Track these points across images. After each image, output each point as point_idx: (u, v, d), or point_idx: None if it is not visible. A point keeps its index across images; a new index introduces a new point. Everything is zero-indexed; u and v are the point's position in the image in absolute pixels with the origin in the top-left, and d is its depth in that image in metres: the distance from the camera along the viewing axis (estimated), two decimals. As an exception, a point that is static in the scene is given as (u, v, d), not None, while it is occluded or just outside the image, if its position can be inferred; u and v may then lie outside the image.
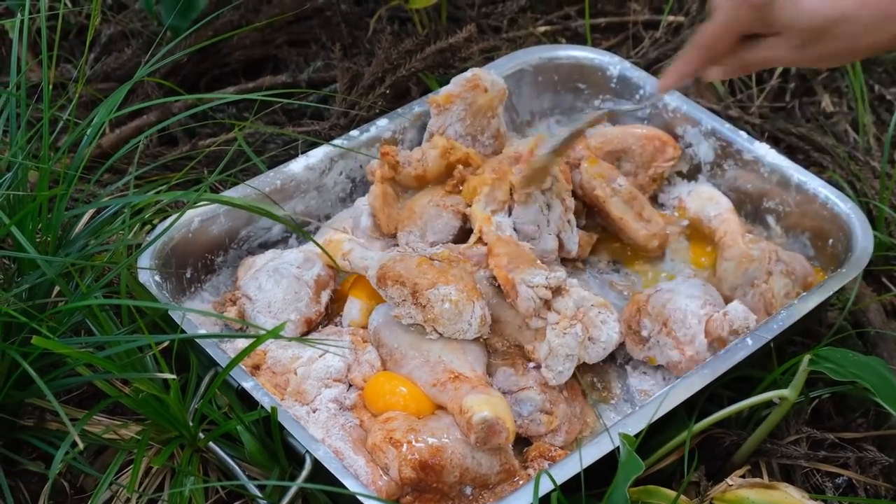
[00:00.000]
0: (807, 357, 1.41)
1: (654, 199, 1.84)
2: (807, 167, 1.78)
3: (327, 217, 1.76)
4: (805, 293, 1.58)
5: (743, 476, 1.49)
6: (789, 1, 1.31)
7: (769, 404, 1.49)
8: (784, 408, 1.46)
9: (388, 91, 1.96)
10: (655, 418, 1.39)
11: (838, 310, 1.71)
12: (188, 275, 1.64)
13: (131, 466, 1.41)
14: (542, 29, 2.24)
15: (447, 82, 1.80)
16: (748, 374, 1.54)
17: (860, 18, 1.29)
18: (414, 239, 1.65)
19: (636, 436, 1.36)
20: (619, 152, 1.82)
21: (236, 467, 1.40)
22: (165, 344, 1.47)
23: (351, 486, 1.33)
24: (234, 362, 1.38)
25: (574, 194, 1.73)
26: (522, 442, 1.49)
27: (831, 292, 1.56)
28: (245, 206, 1.53)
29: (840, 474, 1.54)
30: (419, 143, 1.81)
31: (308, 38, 2.18)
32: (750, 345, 1.50)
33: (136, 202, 1.44)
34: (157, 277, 1.54)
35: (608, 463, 1.36)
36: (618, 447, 1.35)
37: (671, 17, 2.25)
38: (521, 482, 1.42)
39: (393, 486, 1.40)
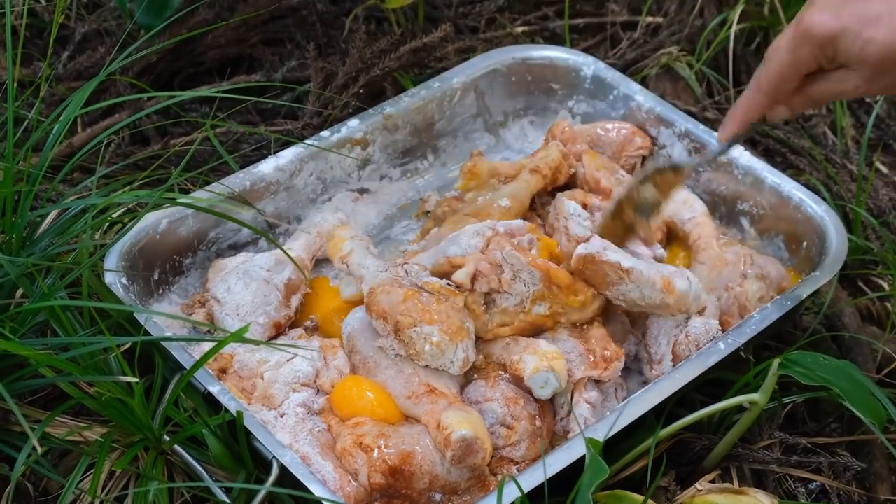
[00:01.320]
0: (777, 361, 1.40)
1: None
2: (784, 170, 1.78)
3: (297, 218, 1.74)
4: (779, 297, 1.57)
5: (713, 481, 1.47)
6: (855, 35, 1.27)
7: (741, 408, 1.48)
8: (754, 412, 1.45)
9: (361, 90, 1.95)
10: (625, 423, 1.38)
11: (813, 313, 1.70)
12: (156, 277, 1.62)
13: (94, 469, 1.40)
14: (520, 29, 2.23)
15: (422, 82, 1.78)
16: (720, 376, 1.53)
17: None
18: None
19: (604, 440, 1.35)
20: (591, 143, 1.82)
21: (202, 470, 1.38)
22: (128, 346, 1.45)
23: (317, 491, 1.31)
24: (197, 364, 1.37)
25: (579, 187, 1.75)
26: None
27: (804, 296, 1.55)
28: (208, 210, 1.51)
29: (813, 480, 1.53)
30: (389, 145, 1.81)
31: (283, 38, 2.17)
32: (722, 349, 1.49)
33: (99, 203, 1.43)
34: (123, 280, 1.53)
35: (579, 470, 1.34)
36: (585, 453, 1.34)
37: (650, 18, 2.24)
38: (491, 489, 1.41)
39: (361, 492, 1.38)
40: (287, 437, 1.42)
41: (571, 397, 1.48)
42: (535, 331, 1.53)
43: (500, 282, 1.50)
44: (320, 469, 1.39)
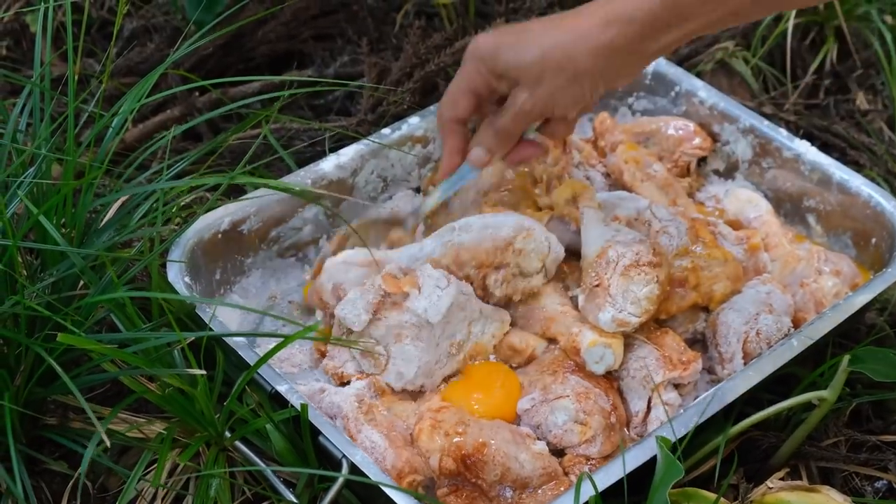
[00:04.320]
0: (846, 357, 1.38)
1: (690, 197, 1.80)
2: (843, 165, 1.75)
3: (358, 218, 1.72)
4: (851, 293, 1.55)
5: (782, 479, 1.46)
6: (510, 46, 1.41)
7: (808, 405, 1.45)
8: (823, 409, 1.43)
9: (416, 86, 1.93)
10: (701, 422, 1.37)
11: (876, 310, 1.68)
12: (217, 276, 1.61)
13: (156, 465, 1.39)
14: (571, 25, 2.20)
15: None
16: (788, 372, 1.51)
17: (576, 48, 1.38)
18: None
19: (679, 441, 1.33)
20: (647, 133, 1.81)
21: (266, 468, 1.37)
22: (190, 342, 1.44)
23: (394, 495, 1.29)
24: (263, 359, 1.36)
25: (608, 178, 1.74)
26: (557, 454, 1.45)
27: (877, 292, 1.53)
28: (303, 193, 1.57)
29: (879, 478, 1.51)
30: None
31: (333, 33, 2.16)
32: (795, 346, 1.47)
33: (168, 188, 1.42)
34: (187, 279, 1.51)
35: (649, 470, 1.33)
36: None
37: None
38: (562, 488, 1.39)
39: (409, 465, 1.37)
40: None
41: (650, 402, 1.46)
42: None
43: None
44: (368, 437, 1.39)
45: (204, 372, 1.33)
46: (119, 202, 1.48)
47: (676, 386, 1.49)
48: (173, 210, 1.53)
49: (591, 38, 1.36)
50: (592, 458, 1.42)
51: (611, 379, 1.49)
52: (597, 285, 1.47)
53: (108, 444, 1.22)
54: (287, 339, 1.34)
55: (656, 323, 1.53)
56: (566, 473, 1.42)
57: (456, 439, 1.38)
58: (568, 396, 1.44)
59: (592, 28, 1.36)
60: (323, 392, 1.45)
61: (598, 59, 1.37)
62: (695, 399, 1.47)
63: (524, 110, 1.43)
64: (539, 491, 1.39)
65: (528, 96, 1.41)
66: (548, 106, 1.42)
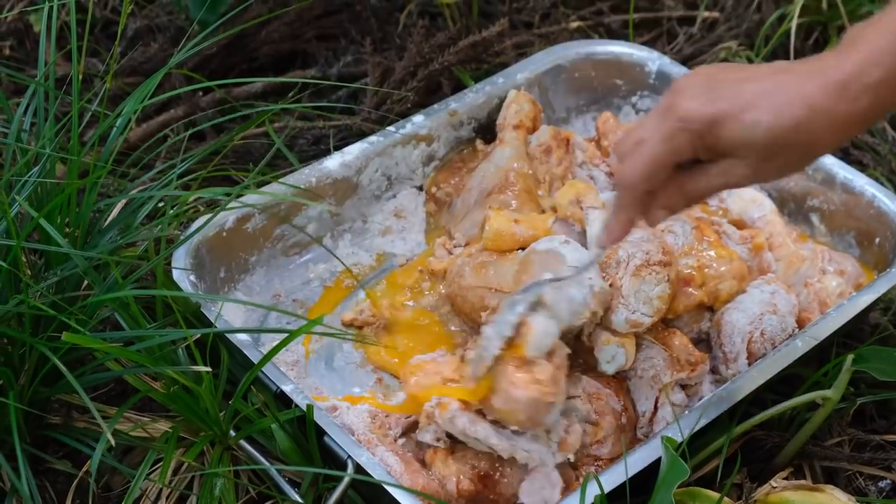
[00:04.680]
0: (850, 357, 1.38)
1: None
2: (847, 165, 1.75)
3: (362, 217, 1.73)
4: (855, 293, 1.55)
5: (786, 478, 1.46)
6: (735, 119, 1.16)
7: (812, 405, 1.46)
8: (827, 409, 1.43)
9: (419, 85, 1.93)
10: (706, 422, 1.37)
11: (880, 310, 1.68)
12: (221, 274, 1.61)
13: (160, 464, 1.39)
14: (575, 24, 2.21)
15: (480, 77, 1.77)
16: (792, 372, 1.51)
17: (813, 124, 1.15)
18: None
19: (681, 442, 1.33)
20: None
21: (271, 468, 1.37)
22: (195, 340, 1.44)
23: (398, 494, 1.29)
24: (267, 357, 1.36)
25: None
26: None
27: (882, 292, 1.53)
28: (300, 229, 1.52)
29: (883, 477, 1.51)
30: (454, 140, 1.79)
31: (337, 33, 2.16)
32: (800, 347, 1.47)
33: (175, 196, 1.42)
34: (192, 277, 1.52)
35: (655, 470, 1.33)
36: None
37: (706, 13, 2.22)
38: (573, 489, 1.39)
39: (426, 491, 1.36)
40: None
41: (657, 402, 1.46)
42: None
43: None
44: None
45: (209, 368, 1.33)
46: (121, 205, 1.48)
47: (683, 387, 1.48)
48: (178, 212, 1.53)
49: (835, 111, 1.14)
50: (601, 459, 1.42)
51: (620, 380, 1.49)
52: (608, 286, 1.47)
53: (113, 443, 1.22)
54: (292, 335, 1.34)
55: (663, 323, 1.52)
56: (576, 468, 1.42)
57: (472, 461, 1.37)
58: (579, 397, 1.44)
59: (834, 96, 1.13)
60: (335, 411, 1.45)
61: (842, 135, 1.17)
62: (699, 399, 1.47)
63: (737, 184, 1.23)
64: None
65: (749, 172, 1.20)
66: (765, 179, 1.25)
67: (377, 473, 1.30)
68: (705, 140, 1.18)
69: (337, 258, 1.50)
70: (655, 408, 1.46)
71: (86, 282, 1.44)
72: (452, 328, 1.59)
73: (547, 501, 1.36)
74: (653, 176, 1.22)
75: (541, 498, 1.37)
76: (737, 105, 1.16)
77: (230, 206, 1.52)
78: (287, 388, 1.39)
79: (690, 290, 1.52)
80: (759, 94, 1.15)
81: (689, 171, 1.23)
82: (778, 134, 1.15)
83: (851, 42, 1.15)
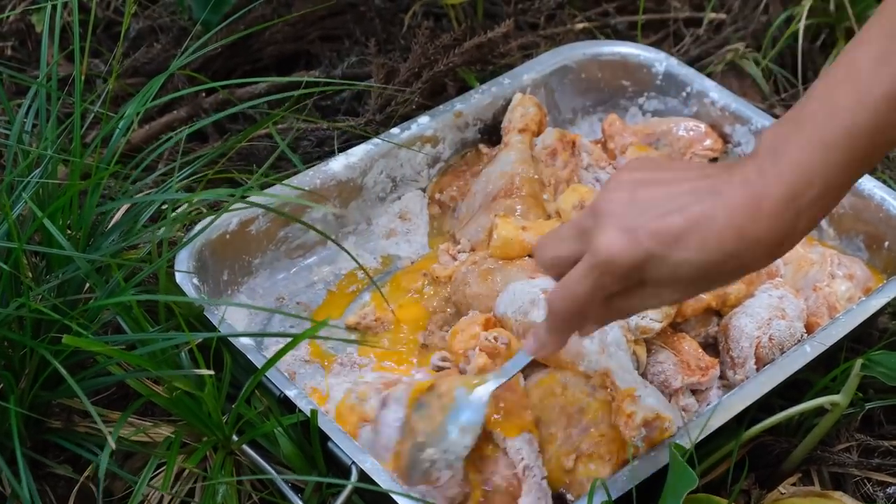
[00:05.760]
0: (859, 362, 1.37)
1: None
2: (854, 168, 1.74)
3: (367, 219, 1.72)
4: (864, 297, 1.54)
5: (794, 484, 1.45)
6: (662, 260, 1.11)
7: (820, 410, 1.45)
8: (835, 414, 1.42)
9: (424, 86, 1.92)
10: (714, 428, 1.36)
11: (889, 314, 1.66)
12: (225, 277, 1.60)
13: (162, 469, 1.38)
14: (580, 26, 2.20)
15: (485, 79, 1.76)
16: (800, 377, 1.50)
17: (744, 254, 1.11)
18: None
19: (688, 449, 1.32)
20: (658, 134, 1.80)
21: (274, 473, 1.36)
22: (198, 344, 1.44)
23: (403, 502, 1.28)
24: (272, 361, 1.35)
25: None
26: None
27: (891, 296, 1.52)
28: (310, 226, 1.52)
29: (892, 483, 1.50)
30: (459, 142, 1.78)
31: (341, 34, 2.15)
32: (808, 352, 1.45)
33: (177, 199, 1.41)
34: (195, 280, 1.51)
35: (662, 476, 1.32)
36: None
37: (713, 15, 2.21)
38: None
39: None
40: None
41: None
42: None
43: None
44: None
45: (212, 372, 1.33)
46: (125, 208, 1.48)
47: (693, 392, 1.47)
48: (181, 215, 1.52)
49: (767, 238, 1.10)
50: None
51: (630, 386, 1.48)
52: None
53: (113, 447, 1.22)
54: (296, 339, 1.33)
55: (671, 327, 1.51)
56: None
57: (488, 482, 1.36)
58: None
59: (765, 223, 1.09)
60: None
61: (776, 256, 1.14)
62: (707, 404, 1.46)
63: (672, 303, 1.26)
64: None
65: (680, 296, 1.18)
66: (698, 293, 1.26)
67: (381, 480, 1.29)
68: (632, 279, 1.13)
69: (349, 255, 1.48)
70: None
71: (87, 285, 1.43)
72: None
73: None
74: (581, 311, 1.18)
75: None
76: (664, 242, 1.10)
77: (233, 207, 1.51)
78: (291, 393, 1.37)
79: None
80: (685, 228, 1.09)
81: (620, 291, 1.17)
82: (708, 268, 1.11)
83: (773, 152, 1.09)
